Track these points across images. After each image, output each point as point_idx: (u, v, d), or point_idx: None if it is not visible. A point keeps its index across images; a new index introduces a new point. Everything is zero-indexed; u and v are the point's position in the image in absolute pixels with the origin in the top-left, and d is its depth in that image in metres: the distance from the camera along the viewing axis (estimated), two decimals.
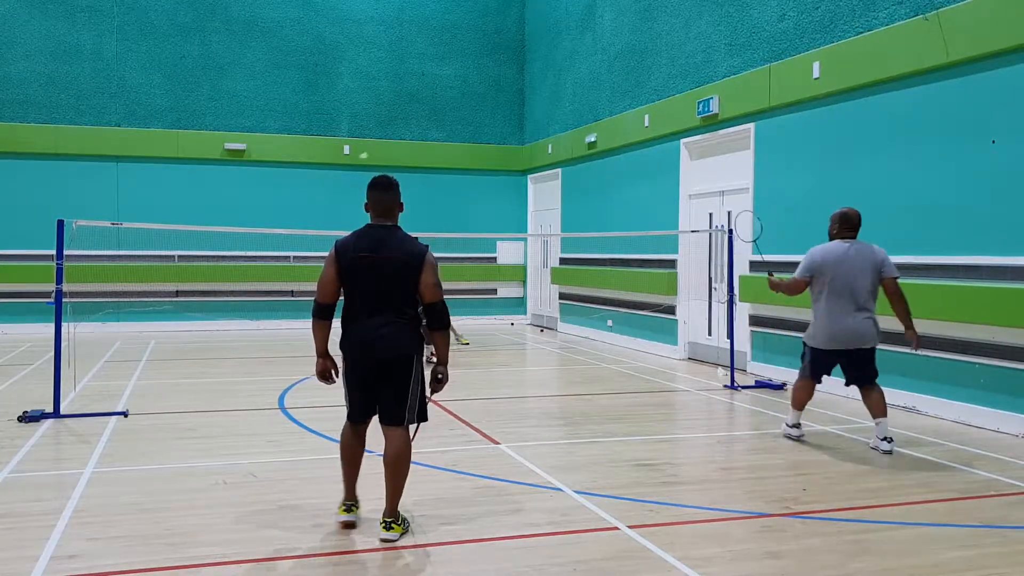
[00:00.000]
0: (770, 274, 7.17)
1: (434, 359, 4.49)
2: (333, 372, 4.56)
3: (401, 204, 4.57)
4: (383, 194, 4.50)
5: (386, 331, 4.32)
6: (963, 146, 7.70)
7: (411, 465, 4.48)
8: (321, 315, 4.47)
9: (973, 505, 5.08)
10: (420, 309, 4.43)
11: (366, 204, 4.54)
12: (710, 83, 11.41)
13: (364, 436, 4.60)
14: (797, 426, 6.80)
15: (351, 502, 4.59)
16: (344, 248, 4.43)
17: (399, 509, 4.44)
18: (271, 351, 12.47)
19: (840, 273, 6.33)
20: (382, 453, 4.44)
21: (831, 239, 6.60)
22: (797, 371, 7.01)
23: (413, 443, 4.45)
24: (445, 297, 4.48)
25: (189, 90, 16.11)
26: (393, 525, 4.35)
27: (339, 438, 4.60)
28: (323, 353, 4.53)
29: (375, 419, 4.54)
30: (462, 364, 11.55)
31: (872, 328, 6.38)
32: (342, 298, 4.51)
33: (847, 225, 6.51)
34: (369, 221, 4.53)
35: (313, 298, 4.50)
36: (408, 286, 4.35)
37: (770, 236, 10.24)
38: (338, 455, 4.68)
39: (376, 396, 4.41)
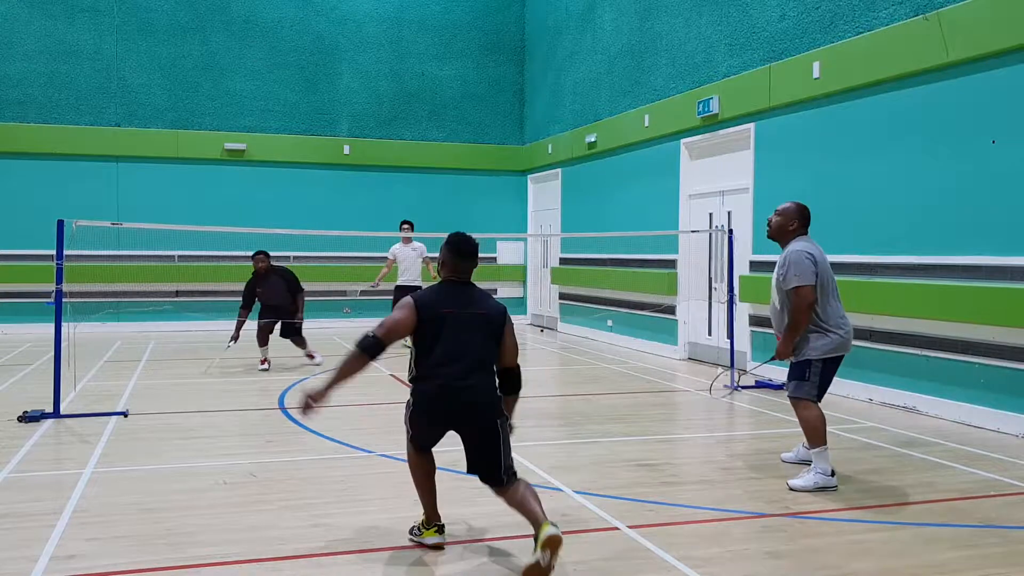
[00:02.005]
0: (776, 356, 5.82)
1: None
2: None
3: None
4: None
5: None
6: (963, 146, 7.70)
7: (405, 464, 4.44)
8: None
9: (973, 505, 5.08)
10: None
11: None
12: (710, 83, 11.41)
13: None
14: (834, 473, 5.46)
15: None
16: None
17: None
18: (271, 351, 12.46)
19: (828, 271, 5.61)
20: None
21: (787, 235, 5.71)
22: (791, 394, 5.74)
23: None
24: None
25: (189, 90, 16.11)
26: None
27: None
28: None
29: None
30: None
31: None
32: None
33: (807, 221, 5.76)
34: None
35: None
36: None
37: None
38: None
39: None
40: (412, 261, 12.87)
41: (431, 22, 17.46)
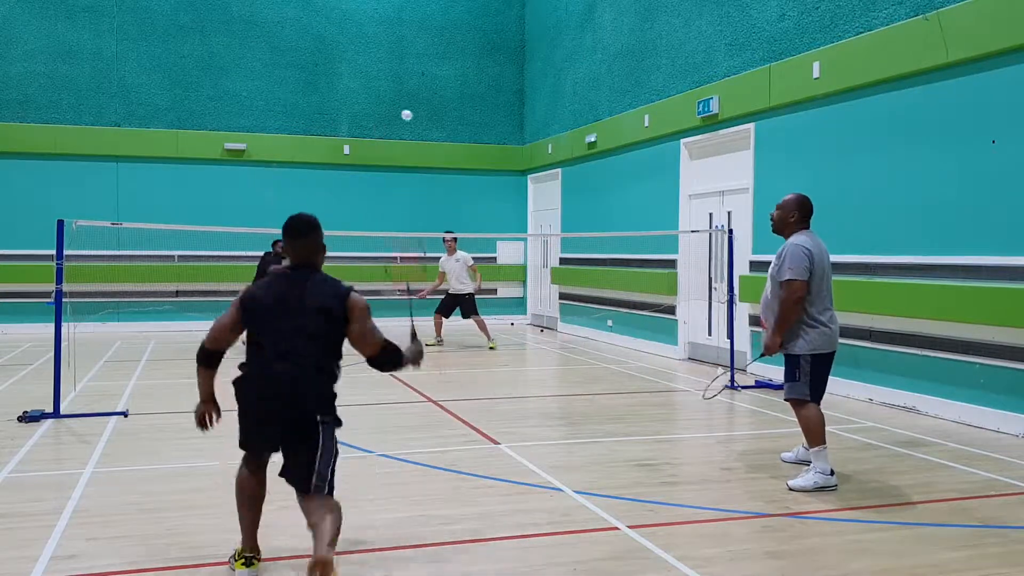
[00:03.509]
0: (765, 351, 5.70)
1: None
2: None
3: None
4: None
5: None
6: (963, 146, 7.70)
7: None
8: None
9: (973, 505, 5.08)
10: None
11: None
12: (710, 83, 11.41)
13: None
14: (833, 472, 5.41)
15: None
16: None
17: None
18: None
19: (825, 267, 5.51)
20: None
21: (789, 228, 5.64)
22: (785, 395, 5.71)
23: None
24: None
25: (189, 90, 16.10)
26: None
27: None
28: None
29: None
30: (462, 364, 11.55)
31: None
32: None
33: (808, 212, 5.67)
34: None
35: None
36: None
37: (770, 236, 10.25)
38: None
39: None
40: (459, 271, 13.24)
41: (431, 22, 17.46)
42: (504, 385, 10.00)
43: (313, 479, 3.69)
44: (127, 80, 15.76)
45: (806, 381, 5.48)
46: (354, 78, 17.02)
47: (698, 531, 4.59)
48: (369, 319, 3.81)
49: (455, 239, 13.46)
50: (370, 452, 6.26)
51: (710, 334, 11.70)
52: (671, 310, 12.30)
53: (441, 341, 13.46)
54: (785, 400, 5.67)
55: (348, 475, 5.63)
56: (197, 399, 4.06)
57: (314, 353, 3.76)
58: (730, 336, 9.89)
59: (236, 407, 3.99)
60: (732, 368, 9.64)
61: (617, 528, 4.59)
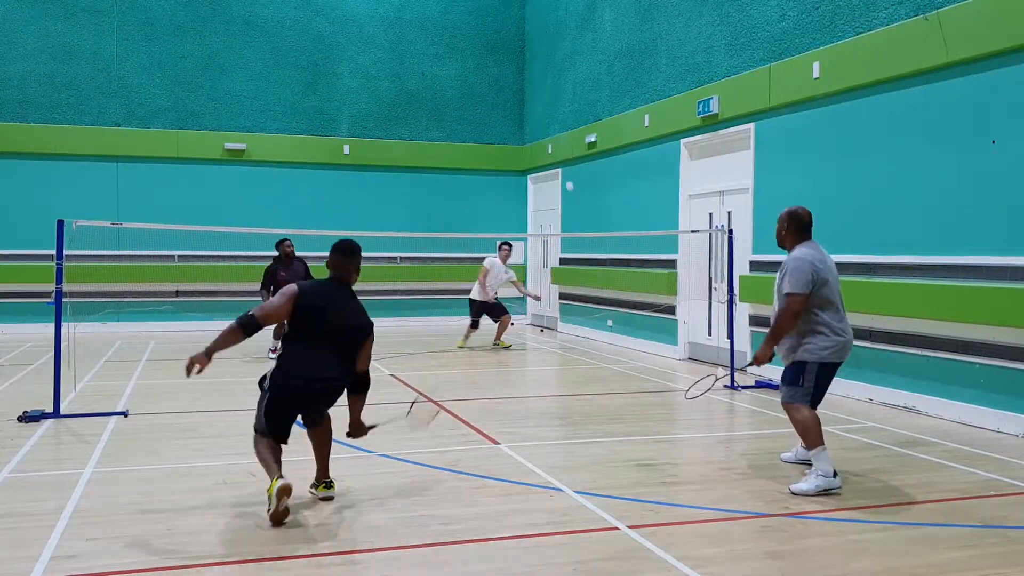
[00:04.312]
0: (755, 361, 5.71)
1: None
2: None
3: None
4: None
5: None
6: (963, 146, 7.70)
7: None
8: None
9: (973, 505, 5.08)
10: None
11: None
12: (710, 83, 11.41)
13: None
14: (836, 473, 5.33)
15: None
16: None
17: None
18: (271, 351, 12.46)
19: (832, 277, 5.49)
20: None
21: (786, 241, 5.64)
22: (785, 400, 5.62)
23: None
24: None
25: (189, 90, 16.11)
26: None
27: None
28: None
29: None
30: (463, 364, 11.55)
31: None
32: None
33: (802, 224, 5.63)
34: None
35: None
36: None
37: (770, 236, 10.25)
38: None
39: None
40: (501, 281, 13.17)
41: (431, 22, 17.46)
42: (504, 385, 10.00)
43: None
44: (127, 80, 15.76)
45: (808, 388, 5.42)
46: (354, 78, 17.03)
47: (698, 531, 4.59)
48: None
49: (511, 248, 13.49)
50: (370, 452, 6.25)
51: (710, 334, 11.70)
52: (671, 310, 12.30)
53: (501, 343, 13.28)
54: (782, 403, 5.63)
55: (348, 475, 5.63)
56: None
57: (345, 362, 4.89)
58: (730, 336, 9.89)
59: (261, 396, 4.95)
60: (732, 368, 9.64)
61: (617, 528, 4.59)
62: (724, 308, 10.41)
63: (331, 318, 4.81)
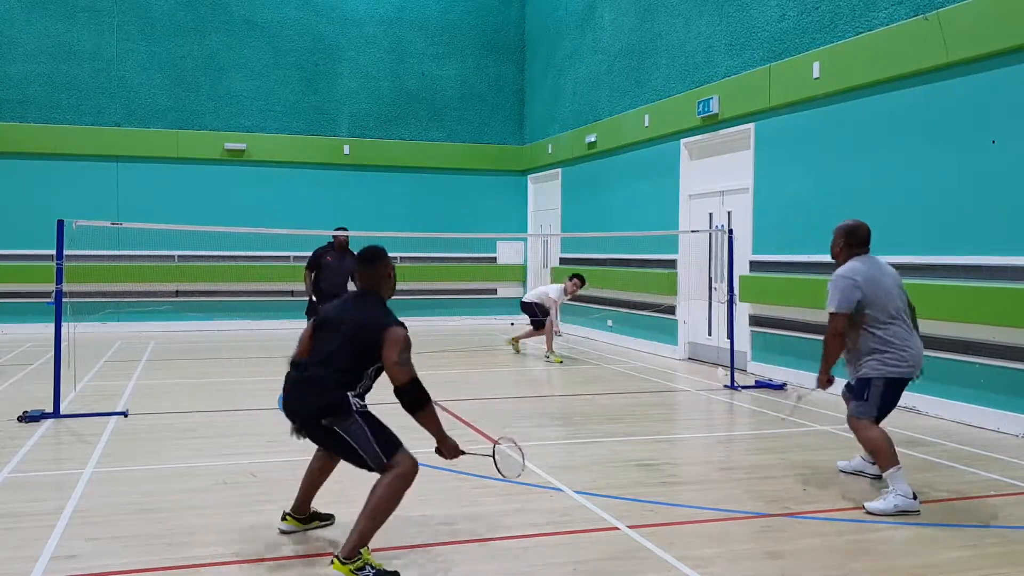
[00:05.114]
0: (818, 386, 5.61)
1: None
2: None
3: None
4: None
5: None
6: (963, 146, 7.70)
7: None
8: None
9: (973, 505, 5.09)
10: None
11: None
12: (710, 83, 11.41)
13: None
14: (916, 496, 5.04)
15: None
16: None
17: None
18: (271, 351, 12.47)
19: (887, 289, 5.30)
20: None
21: (840, 256, 5.51)
22: (849, 404, 5.56)
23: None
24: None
25: (189, 90, 16.10)
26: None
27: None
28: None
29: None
30: (463, 364, 11.55)
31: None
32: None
33: (857, 238, 5.51)
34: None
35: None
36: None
37: (770, 236, 10.26)
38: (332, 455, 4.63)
39: None
40: (557, 307, 12.35)
41: (431, 22, 17.46)
42: (504, 385, 10.00)
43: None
44: (127, 80, 15.76)
45: (875, 403, 5.27)
46: (354, 78, 17.02)
47: (698, 531, 4.59)
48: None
49: (582, 283, 12.40)
50: None
51: (710, 334, 11.70)
52: (671, 310, 12.30)
53: (516, 346, 12.81)
54: (848, 419, 5.45)
55: (348, 475, 5.62)
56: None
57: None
58: (730, 336, 9.89)
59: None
60: (732, 368, 9.64)
61: (617, 528, 4.59)
62: (724, 308, 10.41)
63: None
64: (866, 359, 5.25)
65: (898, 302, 5.30)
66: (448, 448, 4.20)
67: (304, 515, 4.54)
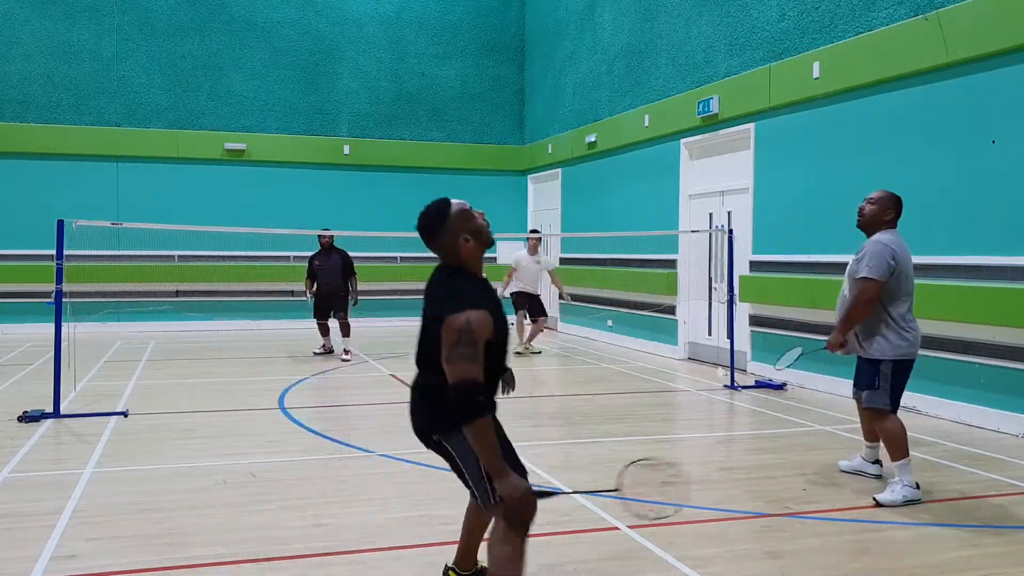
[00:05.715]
0: (827, 346, 5.50)
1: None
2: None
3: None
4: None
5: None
6: (963, 146, 7.70)
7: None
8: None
9: (973, 505, 5.09)
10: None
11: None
12: (710, 83, 11.41)
13: None
14: (919, 485, 5.14)
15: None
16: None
17: None
18: (271, 351, 12.47)
19: (909, 272, 5.24)
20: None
21: (880, 226, 5.34)
22: (858, 398, 5.49)
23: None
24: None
25: (189, 90, 16.10)
26: None
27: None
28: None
29: None
30: None
31: None
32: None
33: (901, 213, 5.38)
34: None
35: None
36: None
37: (770, 236, 10.26)
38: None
39: None
40: (533, 273, 12.49)
41: (431, 22, 17.46)
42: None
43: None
44: (127, 80, 15.76)
45: (886, 389, 5.18)
46: (354, 78, 17.03)
47: (698, 531, 4.59)
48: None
49: (539, 239, 12.81)
50: (371, 452, 6.26)
51: (710, 334, 11.70)
52: (671, 310, 12.30)
53: (528, 348, 12.51)
54: (865, 408, 5.41)
55: (348, 475, 5.63)
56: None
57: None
58: (730, 336, 9.89)
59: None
60: (732, 368, 9.64)
61: (617, 528, 4.59)
62: (724, 308, 10.41)
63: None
64: (874, 337, 5.21)
65: (912, 283, 5.28)
66: (506, 487, 3.04)
67: (469, 570, 3.71)
